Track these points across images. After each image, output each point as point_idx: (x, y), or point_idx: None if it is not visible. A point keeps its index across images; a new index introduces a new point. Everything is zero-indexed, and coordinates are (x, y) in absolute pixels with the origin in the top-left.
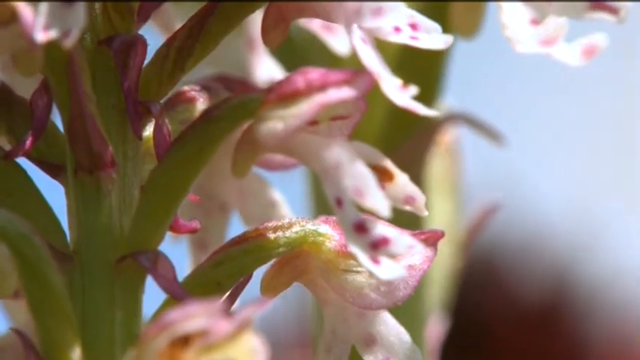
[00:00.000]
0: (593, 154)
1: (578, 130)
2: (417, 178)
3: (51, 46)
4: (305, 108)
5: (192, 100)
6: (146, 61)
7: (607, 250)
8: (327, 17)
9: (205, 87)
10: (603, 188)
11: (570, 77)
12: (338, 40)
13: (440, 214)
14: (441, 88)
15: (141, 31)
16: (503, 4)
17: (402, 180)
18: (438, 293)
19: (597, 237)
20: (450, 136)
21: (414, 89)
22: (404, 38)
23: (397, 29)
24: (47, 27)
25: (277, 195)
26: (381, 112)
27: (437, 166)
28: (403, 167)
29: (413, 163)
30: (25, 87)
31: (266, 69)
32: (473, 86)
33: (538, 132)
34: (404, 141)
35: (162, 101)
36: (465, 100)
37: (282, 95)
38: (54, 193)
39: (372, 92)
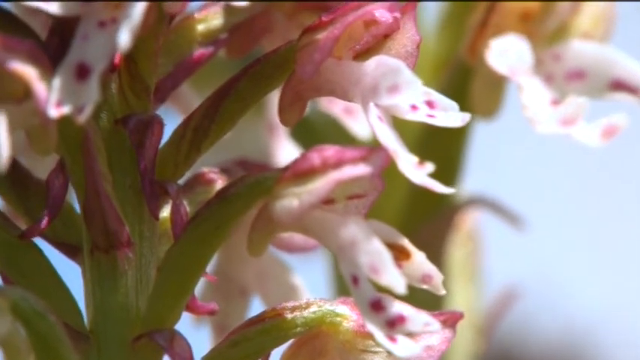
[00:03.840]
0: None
1: (611, 218)
2: (437, 261)
3: (66, 125)
4: (320, 185)
5: (211, 182)
6: (163, 141)
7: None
8: (344, 96)
9: (225, 169)
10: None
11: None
12: (358, 123)
13: (461, 300)
14: (462, 172)
15: (159, 112)
16: (523, 84)
17: (419, 258)
18: None
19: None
20: (471, 221)
21: (430, 166)
22: (421, 116)
23: (414, 107)
24: (60, 103)
25: (297, 279)
26: (401, 195)
27: (458, 251)
28: (423, 250)
29: (433, 247)
30: (42, 169)
31: (287, 153)
32: (495, 170)
33: (568, 218)
34: (424, 224)
35: (180, 182)
36: (486, 184)
37: (298, 173)
38: (71, 273)
39: (393, 176)
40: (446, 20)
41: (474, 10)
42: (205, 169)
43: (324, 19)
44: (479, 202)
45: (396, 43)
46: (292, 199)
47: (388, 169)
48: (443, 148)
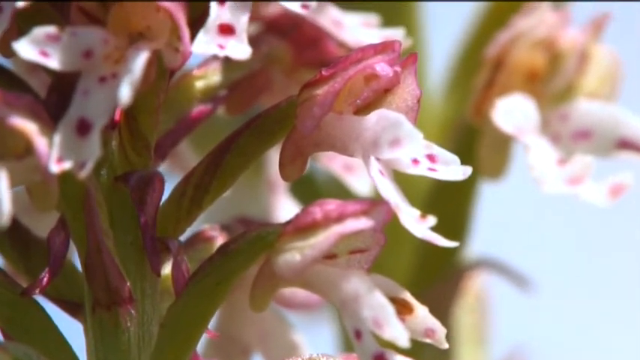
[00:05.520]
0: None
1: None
2: (445, 323)
3: (67, 181)
4: (323, 239)
5: (211, 240)
6: (164, 198)
7: None
8: (345, 150)
9: (225, 227)
10: None
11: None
12: (358, 179)
13: None
14: (470, 233)
15: (160, 169)
16: (530, 144)
17: (421, 312)
18: None
19: None
20: (479, 283)
21: (432, 220)
22: (422, 170)
23: (415, 161)
24: (61, 158)
25: (299, 337)
26: (408, 258)
27: (466, 314)
28: (431, 313)
29: (440, 309)
30: (42, 228)
31: (287, 211)
32: (503, 232)
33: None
34: (431, 287)
35: (181, 239)
36: (494, 246)
37: (299, 227)
38: (73, 330)
39: (401, 239)
40: (452, 82)
41: (480, 71)
42: (206, 227)
43: (324, 73)
44: (486, 264)
45: (396, 98)
46: (295, 254)
47: (395, 233)
48: (450, 209)
